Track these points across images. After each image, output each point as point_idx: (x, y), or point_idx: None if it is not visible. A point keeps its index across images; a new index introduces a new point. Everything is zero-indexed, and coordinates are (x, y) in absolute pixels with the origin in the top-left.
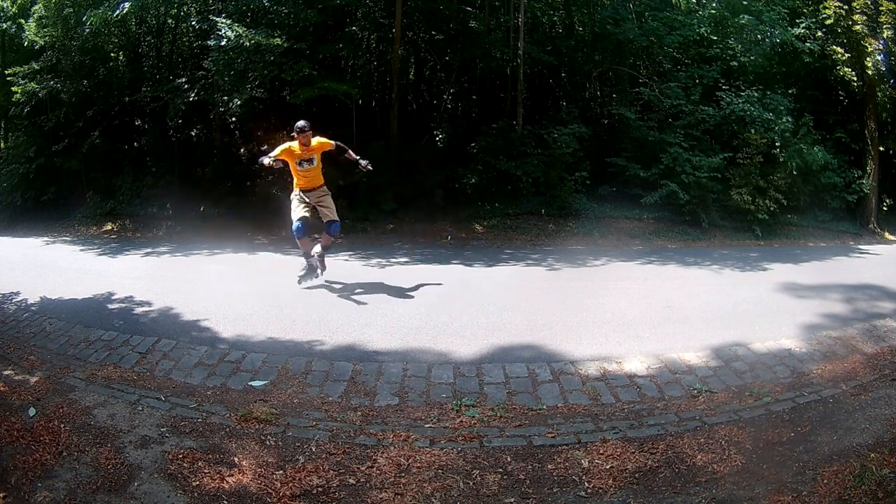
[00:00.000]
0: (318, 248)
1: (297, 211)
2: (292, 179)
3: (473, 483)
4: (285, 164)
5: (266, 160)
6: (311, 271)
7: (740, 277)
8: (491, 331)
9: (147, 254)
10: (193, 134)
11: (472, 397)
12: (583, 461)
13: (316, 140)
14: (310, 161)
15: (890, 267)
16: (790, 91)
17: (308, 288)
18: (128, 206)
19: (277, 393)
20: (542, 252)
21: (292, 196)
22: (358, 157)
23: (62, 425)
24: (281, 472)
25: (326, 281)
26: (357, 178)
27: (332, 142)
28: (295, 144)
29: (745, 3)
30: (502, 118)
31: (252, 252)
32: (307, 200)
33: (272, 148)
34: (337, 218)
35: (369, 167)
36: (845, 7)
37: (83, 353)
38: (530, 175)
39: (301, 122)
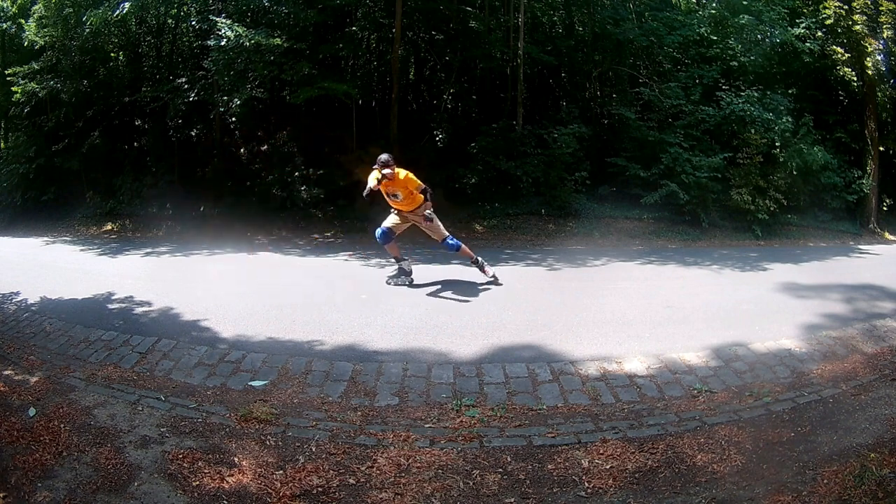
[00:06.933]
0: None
1: (387, 219)
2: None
3: (473, 483)
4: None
5: (369, 187)
6: (400, 274)
7: (740, 277)
8: (491, 331)
9: (147, 254)
10: (193, 134)
11: (472, 397)
12: (583, 461)
13: (402, 174)
14: (394, 195)
15: (890, 267)
16: (790, 91)
17: (307, 288)
18: (128, 206)
19: (277, 393)
20: (542, 252)
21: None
22: (429, 207)
23: (62, 425)
24: (281, 472)
25: (326, 281)
26: (357, 178)
27: (421, 185)
28: (379, 175)
29: (745, 3)
30: (502, 118)
31: (252, 252)
32: (405, 216)
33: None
34: (445, 235)
35: (427, 213)
36: (845, 7)
37: (83, 353)
38: (530, 175)
39: (383, 157)
